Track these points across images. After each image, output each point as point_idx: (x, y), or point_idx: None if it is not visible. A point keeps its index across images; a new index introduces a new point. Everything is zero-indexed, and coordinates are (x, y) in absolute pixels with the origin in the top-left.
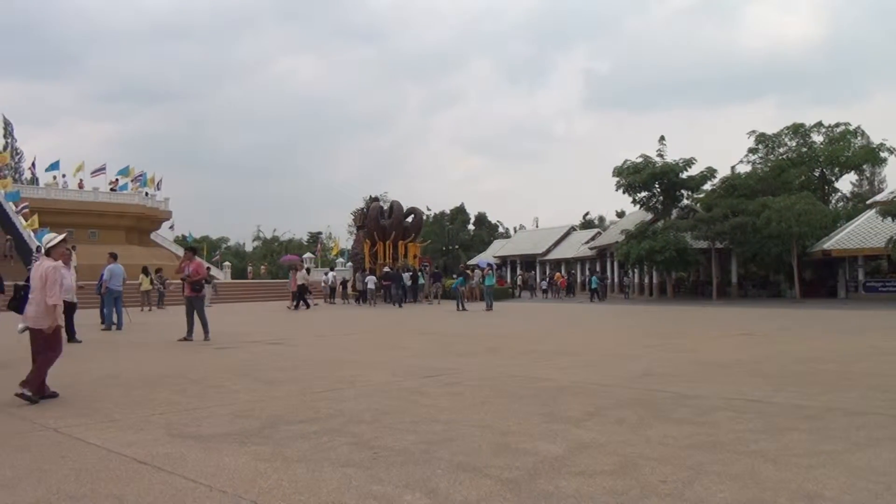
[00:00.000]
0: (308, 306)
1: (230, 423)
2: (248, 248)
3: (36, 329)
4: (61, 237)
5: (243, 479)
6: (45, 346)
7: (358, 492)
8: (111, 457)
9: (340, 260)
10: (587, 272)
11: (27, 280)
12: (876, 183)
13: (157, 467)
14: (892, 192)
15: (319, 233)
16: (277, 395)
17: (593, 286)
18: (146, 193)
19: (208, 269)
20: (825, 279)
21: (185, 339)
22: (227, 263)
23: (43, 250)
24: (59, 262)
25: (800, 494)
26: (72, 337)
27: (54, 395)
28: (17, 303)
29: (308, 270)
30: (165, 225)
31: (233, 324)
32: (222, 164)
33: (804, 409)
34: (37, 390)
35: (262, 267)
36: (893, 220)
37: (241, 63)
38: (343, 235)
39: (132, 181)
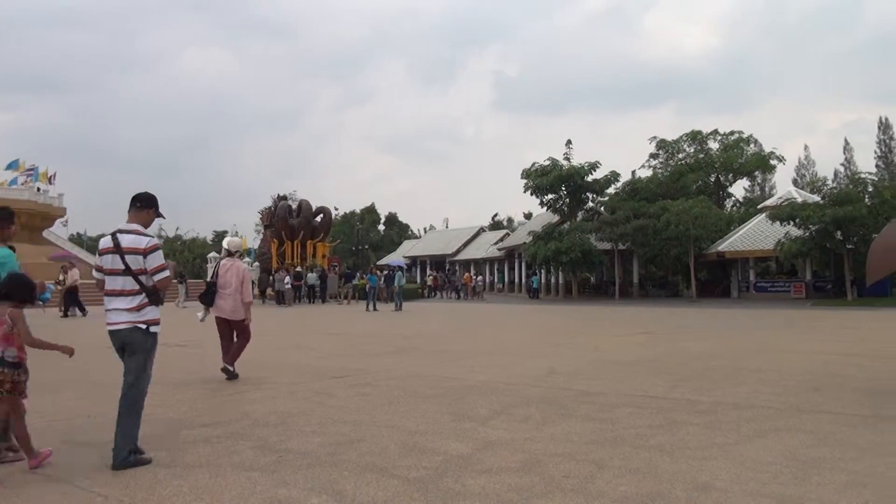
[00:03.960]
0: (84, 312)
1: None
2: None
3: (232, 320)
4: (243, 242)
5: (141, 487)
6: (240, 333)
7: (262, 496)
8: None
9: (247, 259)
10: (495, 272)
11: (213, 276)
12: (766, 189)
13: (50, 477)
14: (780, 198)
15: (225, 231)
16: (180, 398)
17: (534, 285)
18: (38, 189)
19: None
20: (719, 279)
21: None
22: None
23: (227, 252)
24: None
25: (694, 485)
26: None
27: (236, 376)
28: (210, 297)
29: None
30: (59, 222)
31: None
32: (124, 160)
33: (698, 405)
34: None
35: None
36: (782, 224)
37: (144, 55)
38: (250, 234)
39: (23, 175)
